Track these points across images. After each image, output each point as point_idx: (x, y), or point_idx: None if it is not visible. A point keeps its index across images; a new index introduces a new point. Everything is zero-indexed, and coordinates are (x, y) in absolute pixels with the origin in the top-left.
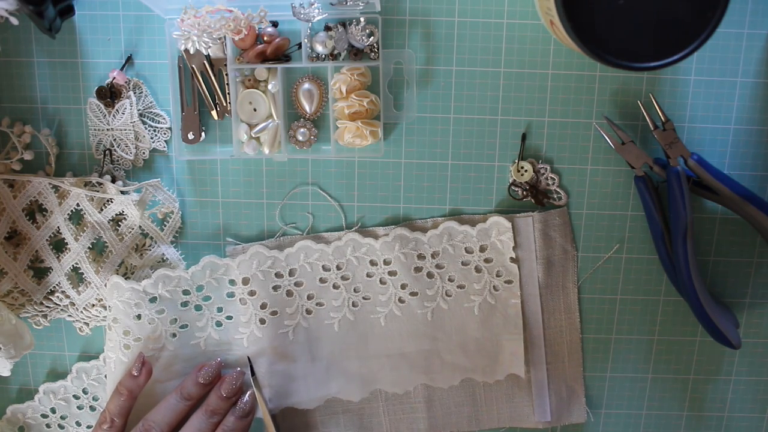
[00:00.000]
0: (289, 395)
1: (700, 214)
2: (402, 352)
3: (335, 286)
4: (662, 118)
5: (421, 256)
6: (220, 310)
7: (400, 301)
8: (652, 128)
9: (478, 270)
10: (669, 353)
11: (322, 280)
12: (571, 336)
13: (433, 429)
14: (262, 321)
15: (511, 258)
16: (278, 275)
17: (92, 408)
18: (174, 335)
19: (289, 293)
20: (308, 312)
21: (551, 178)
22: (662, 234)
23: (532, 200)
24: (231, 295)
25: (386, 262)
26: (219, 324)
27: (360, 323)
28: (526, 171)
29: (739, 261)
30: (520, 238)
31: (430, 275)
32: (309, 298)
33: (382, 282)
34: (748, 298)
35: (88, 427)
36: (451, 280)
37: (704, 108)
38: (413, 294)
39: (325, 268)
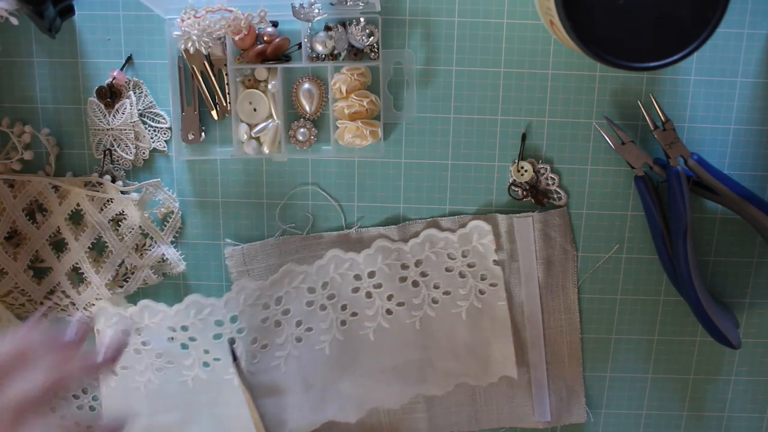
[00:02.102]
0: (284, 424)
1: (700, 214)
2: (394, 365)
3: (322, 308)
4: (662, 118)
5: (404, 266)
6: (207, 351)
7: (388, 312)
8: (652, 128)
9: (462, 275)
10: (669, 353)
11: (308, 303)
12: (571, 336)
13: (433, 429)
14: (254, 356)
15: (494, 260)
16: (265, 306)
17: (92, 408)
18: (159, 369)
19: (277, 323)
20: (298, 340)
21: (551, 178)
22: (662, 234)
23: (532, 200)
24: (218, 336)
25: (370, 275)
26: (206, 364)
27: (350, 342)
28: (526, 171)
29: (739, 261)
30: (520, 238)
31: (415, 284)
32: (297, 324)
33: (368, 296)
34: (748, 298)
35: (88, 427)
36: (436, 287)
37: (704, 108)
38: (400, 304)
39: (310, 290)
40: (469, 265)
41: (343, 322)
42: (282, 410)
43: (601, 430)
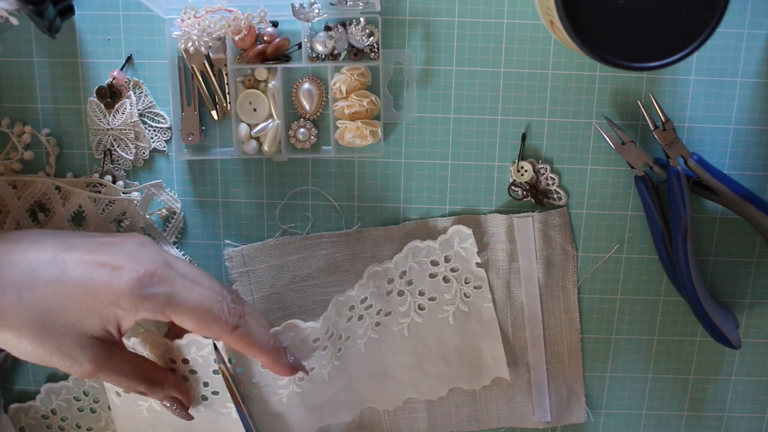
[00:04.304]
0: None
1: (700, 214)
2: (385, 369)
3: (324, 348)
4: (662, 118)
5: (390, 281)
6: (206, 384)
7: (376, 324)
8: (652, 128)
9: (446, 280)
10: (669, 353)
11: (313, 350)
12: (571, 336)
13: (433, 429)
14: (251, 391)
15: (477, 263)
16: None
17: (92, 410)
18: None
19: None
20: (301, 379)
21: (551, 178)
22: (662, 234)
23: (532, 200)
24: (217, 372)
25: (362, 301)
26: (205, 398)
27: (344, 361)
28: (526, 171)
29: (739, 261)
30: (520, 238)
31: (400, 293)
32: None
33: (359, 318)
34: (748, 298)
35: (88, 429)
36: (421, 294)
37: (704, 108)
38: (387, 314)
39: (315, 340)
40: (453, 270)
41: (339, 349)
42: (281, 424)
43: (601, 430)
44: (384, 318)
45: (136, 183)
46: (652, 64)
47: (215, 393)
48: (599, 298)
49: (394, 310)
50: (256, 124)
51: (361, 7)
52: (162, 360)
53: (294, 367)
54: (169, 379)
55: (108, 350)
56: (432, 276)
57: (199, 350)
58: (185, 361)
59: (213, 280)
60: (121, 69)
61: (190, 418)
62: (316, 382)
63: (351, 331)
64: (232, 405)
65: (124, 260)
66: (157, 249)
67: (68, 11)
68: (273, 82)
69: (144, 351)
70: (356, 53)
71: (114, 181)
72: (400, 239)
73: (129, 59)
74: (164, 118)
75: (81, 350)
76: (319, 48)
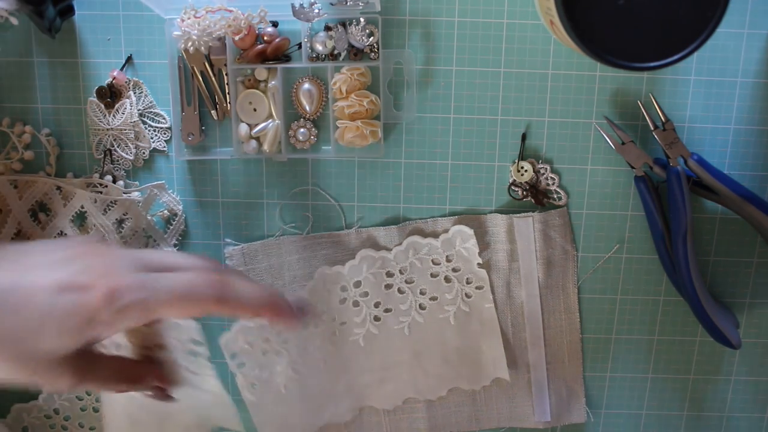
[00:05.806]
0: (283, 429)
1: (700, 214)
2: (385, 366)
3: (315, 325)
4: (662, 118)
5: (389, 274)
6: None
7: (376, 319)
8: (652, 128)
9: (447, 280)
10: (669, 353)
11: (304, 327)
12: (571, 336)
13: (433, 429)
14: (253, 385)
15: (478, 264)
16: (265, 340)
17: (95, 409)
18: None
19: (277, 352)
20: (297, 363)
21: (551, 178)
22: (662, 234)
23: (532, 200)
24: (193, 354)
25: (356, 285)
26: (183, 378)
27: (341, 350)
28: (526, 171)
29: (739, 261)
30: (520, 238)
31: (401, 291)
32: (295, 352)
33: (355, 304)
34: (748, 298)
35: (91, 428)
36: (422, 293)
37: (704, 108)
38: (387, 311)
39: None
40: (454, 270)
41: (334, 333)
42: (281, 419)
43: (601, 430)
44: (384, 314)
45: (136, 183)
46: (652, 64)
47: (193, 373)
48: (599, 298)
49: (395, 308)
50: (256, 124)
51: (361, 7)
52: (140, 348)
53: (300, 310)
54: (150, 373)
55: (87, 361)
56: (433, 275)
57: (176, 333)
58: (160, 347)
59: (186, 257)
60: (121, 69)
61: (173, 400)
62: (312, 367)
63: (346, 316)
64: (213, 383)
65: (89, 277)
66: (118, 252)
67: (68, 11)
68: (273, 82)
69: (122, 339)
70: (356, 53)
71: (114, 182)
72: (400, 239)
73: (129, 59)
74: (164, 118)
75: (60, 368)
76: (319, 48)
